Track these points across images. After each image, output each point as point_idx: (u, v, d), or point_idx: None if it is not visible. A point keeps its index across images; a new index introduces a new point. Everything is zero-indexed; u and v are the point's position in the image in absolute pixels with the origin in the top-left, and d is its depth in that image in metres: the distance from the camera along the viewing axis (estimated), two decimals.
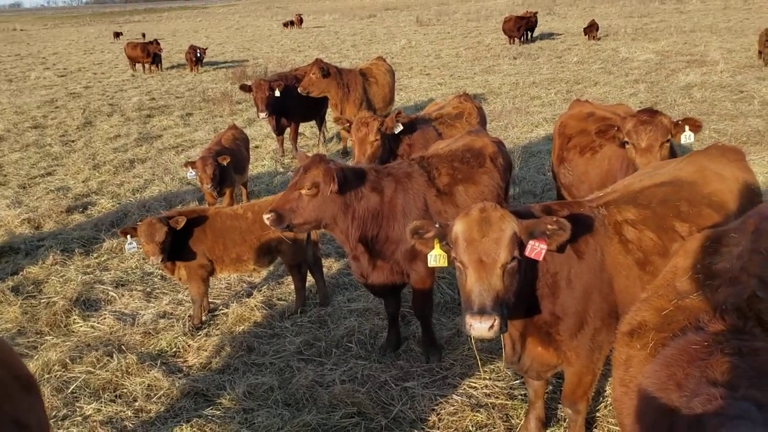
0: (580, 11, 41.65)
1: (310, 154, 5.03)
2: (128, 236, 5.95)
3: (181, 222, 5.91)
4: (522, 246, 3.47)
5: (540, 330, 3.84)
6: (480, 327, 3.25)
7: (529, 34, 28.05)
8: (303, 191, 4.72)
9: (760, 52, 18.11)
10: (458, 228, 3.47)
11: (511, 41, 27.16)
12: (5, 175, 11.88)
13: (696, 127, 5.38)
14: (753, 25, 26.63)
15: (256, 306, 6.49)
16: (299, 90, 10.88)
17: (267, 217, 4.72)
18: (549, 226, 3.46)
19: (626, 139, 5.36)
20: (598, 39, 25.99)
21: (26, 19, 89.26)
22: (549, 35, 29.45)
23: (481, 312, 3.26)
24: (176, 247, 6.02)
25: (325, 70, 10.81)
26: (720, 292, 2.63)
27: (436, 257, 3.83)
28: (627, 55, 21.44)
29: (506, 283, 3.37)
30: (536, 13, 28.52)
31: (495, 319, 3.25)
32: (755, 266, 2.65)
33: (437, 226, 3.72)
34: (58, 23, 78.11)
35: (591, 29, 25.97)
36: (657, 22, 31.34)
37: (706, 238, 3.02)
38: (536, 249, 3.49)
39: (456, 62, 23.49)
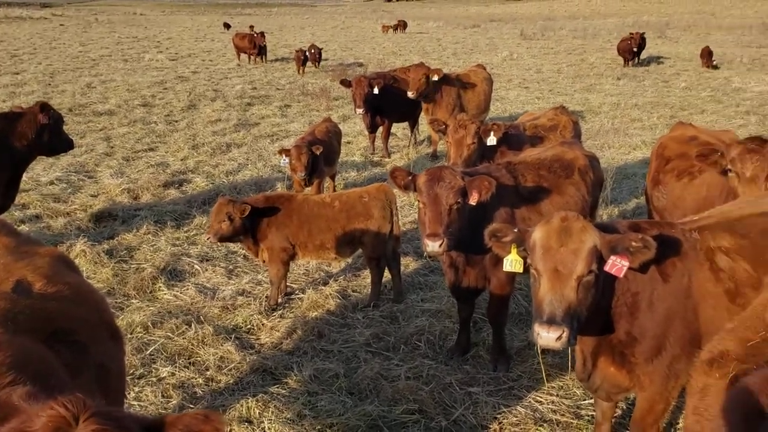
0: (693, 37, 39.84)
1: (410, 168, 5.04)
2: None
3: (246, 210, 5.99)
4: (602, 260, 3.40)
5: (614, 349, 3.74)
6: (547, 336, 3.22)
7: (636, 56, 27.02)
8: (453, 204, 4.58)
9: None
10: (537, 235, 3.44)
11: (626, 63, 26.06)
12: (112, 147, 12.56)
13: None
14: None
15: (330, 294, 6.59)
16: (411, 96, 10.89)
17: (436, 244, 4.46)
18: (633, 243, 3.37)
19: (729, 166, 5.12)
20: (717, 67, 24.67)
21: (147, 4, 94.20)
22: (657, 58, 28.41)
23: (550, 322, 3.23)
24: (261, 229, 6.21)
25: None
26: None
27: (511, 262, 3.81)
28: (740, 85, 20.42)
29: (580, 296, 3.32)
30: (643, 33, 27.23)
31: (564, 331, 3.21)
32: None
33: (515, 231, 3.70)
34: (175, 10, 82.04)
35: (706, 56, 24.68)
36: None
37: None
38: (617, 265, 3.41)
39: (557, 78, 23.06)
